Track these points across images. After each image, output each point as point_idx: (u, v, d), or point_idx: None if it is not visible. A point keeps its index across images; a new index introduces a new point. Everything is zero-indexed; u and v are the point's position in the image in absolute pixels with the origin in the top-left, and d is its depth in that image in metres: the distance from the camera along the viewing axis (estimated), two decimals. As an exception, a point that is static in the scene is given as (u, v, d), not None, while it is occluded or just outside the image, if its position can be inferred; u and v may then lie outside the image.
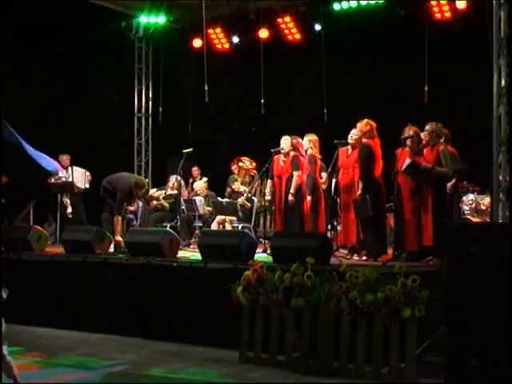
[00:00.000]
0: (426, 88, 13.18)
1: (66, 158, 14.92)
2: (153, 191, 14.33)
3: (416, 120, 10.34)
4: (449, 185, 10.25)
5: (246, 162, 14.52)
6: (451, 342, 7.38)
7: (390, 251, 10.55)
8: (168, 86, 15.82)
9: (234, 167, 14.81)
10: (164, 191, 14.52)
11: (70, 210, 14.72)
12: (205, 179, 15.19)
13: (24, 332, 10.21)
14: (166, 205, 14.33)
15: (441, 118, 10.32)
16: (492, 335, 7.10)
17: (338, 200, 11.34)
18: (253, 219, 13.60)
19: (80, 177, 14.84)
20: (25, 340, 9.69)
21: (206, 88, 13.55)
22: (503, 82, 10.08)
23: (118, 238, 11.92)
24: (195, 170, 15.47)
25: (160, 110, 15.84)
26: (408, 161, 9.92)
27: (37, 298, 10.80)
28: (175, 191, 14.49)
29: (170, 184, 14.47)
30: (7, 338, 9.42)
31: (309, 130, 12.10)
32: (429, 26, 13.12)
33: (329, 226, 11.77)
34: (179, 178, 13.78)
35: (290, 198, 11.36)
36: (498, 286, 7.14)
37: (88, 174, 14.98)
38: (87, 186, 14.93)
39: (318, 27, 14.38)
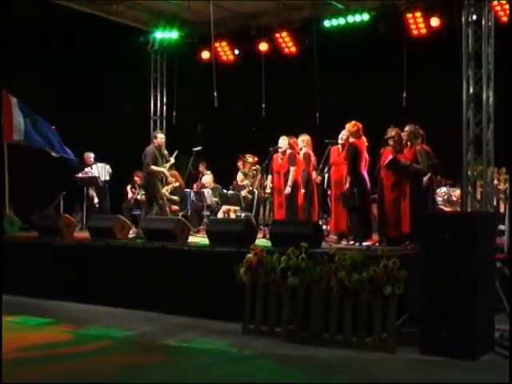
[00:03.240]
0: (404, 94, 13.21)
1: (90, 156, 14.92)
2: (164, 190, 14.39)
3: (396, 122, 10.38)
4: (425, 178, 10.29)
5: (249, 159, 14.55)
6: (425, 316, 7.45)
7: (373, 237, 10.60)
8: (180, 92, 15.84)
9: (239, 163, 14.84)
10: (169, 186, 14.56)
11: (96, 200, 14.74)
12: (208, 172, 15.20)
13: (56, 306, 10.29)
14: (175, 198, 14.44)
15: (417, 120, 10.37)
16: (460, 310, 7.16)
17: (329, 192, 11.38)
18: (254, 209, 13.63)
19: (101, 171, 14.86)
20: (57, 313, 9.78)
21: (215, 94, 13.56)
22: (471, 90, 10.15)
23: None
24: (201, 167, 15.47)
25: (174, 113, 15.83)
26: (390, 157, 9.97)
27: (67, 277, 10.84)
28: (177, 183, 14.53)
29: (171, 179, 14.56)
30: (42, 312, 9.53)
31: (302, 131, 12.12)
32: (407, 40, 13.14)
33: (320, 215, 11.82)
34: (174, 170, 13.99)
35: (287, 189, 11.41)
36: (465, 267, 7.19)
37: (108, 167, 14.98)
38: (107, 178, 14.92)
39: (310, 41, 14.36)
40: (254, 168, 14.37)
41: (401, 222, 9.90)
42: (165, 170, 12.72)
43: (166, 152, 12.91)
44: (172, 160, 13.04)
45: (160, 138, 12.74)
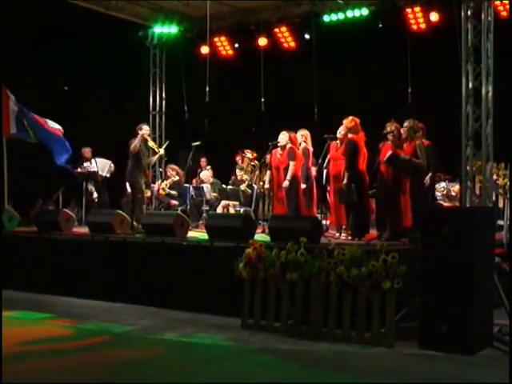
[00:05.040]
0: (409, 90, 13.23)
1: (88, 151, 14.90)
2: (164, 184, 14.38)
3: (400, 117, 10.39)
4: (427, 177, 10.31)
5: (248, 154, 14.56)
6: (424, 310, 7.47)
7: (372, 232, 10.61)
8: (179, 87, 15.83)
9: (238, 158, 14.86)
10: (169, 181, 14.55)
11: (95, 195, 14.73)
12: (208, 167, 15.21)
13: (56, 301, 10.31)
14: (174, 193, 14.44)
15: (420, 116, 10.38)
16: (459, 304, 7.18)
17: (328, 187, 11.40)
18: (253, 204, 13.64)
19: (104, 167, 14.85)
20: (56, 308, 9.80)
21: (208, 89, 13.56)
22: (470, 85, 10.14)
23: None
24: (203, 161, 15.49)
25: (185, 108, 15.80)
26: (389, 152, 9.98)
27: (66, 271, 10.85)
28: (177, 177, 14.53)
29: (171, 173, 14.55)
30: (42, 307, 9.53)
31: (301, 127, 12.12)
32: (407, 35, 13.15)
33: (319, 210, 11.83)
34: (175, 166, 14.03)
35: (286, 183, 11.41)
36: (464, 262, 7.21)
37: (112, 165, 14.97)
38: (108, 175, 14.91)
39: (309, 36, 14.38)
40: (252, 163, 14.38)
41: (400, 216, 9.91)
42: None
43: (153, 144, 12.92)
44: (161, 151, 13.04)
45: (145, 129, 12.69)
